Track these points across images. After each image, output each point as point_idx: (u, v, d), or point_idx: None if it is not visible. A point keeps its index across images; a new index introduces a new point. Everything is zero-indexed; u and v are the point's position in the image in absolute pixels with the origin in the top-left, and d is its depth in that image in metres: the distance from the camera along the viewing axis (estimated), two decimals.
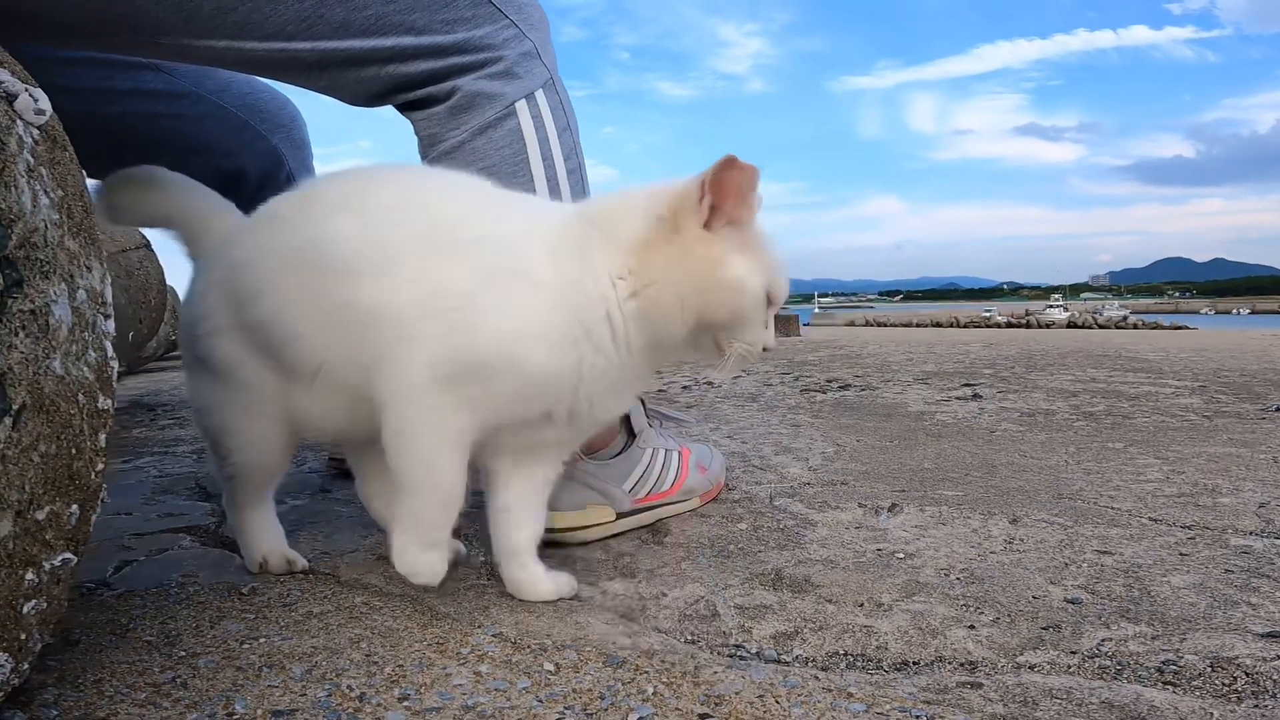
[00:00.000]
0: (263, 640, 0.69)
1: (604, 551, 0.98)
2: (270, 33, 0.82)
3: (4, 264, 0.44)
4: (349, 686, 0.61)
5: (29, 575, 0.44)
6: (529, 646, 0.70)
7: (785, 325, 5.32)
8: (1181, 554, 0.94)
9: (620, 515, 1.03)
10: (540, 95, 0.94)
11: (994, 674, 0.66)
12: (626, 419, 1.08)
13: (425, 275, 0.70)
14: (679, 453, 1.13)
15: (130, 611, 0.74)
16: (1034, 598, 0.82)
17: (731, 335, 0.74)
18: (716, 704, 0.60)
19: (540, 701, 0.60)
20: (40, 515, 0.44)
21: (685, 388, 2.62)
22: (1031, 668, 0.67)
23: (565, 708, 0.59)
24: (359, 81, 0.89)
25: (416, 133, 0.95)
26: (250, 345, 0.77)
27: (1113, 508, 1.14)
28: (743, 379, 2.83)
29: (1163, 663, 0.67)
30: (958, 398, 2.31)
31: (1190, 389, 2.36)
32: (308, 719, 0.56)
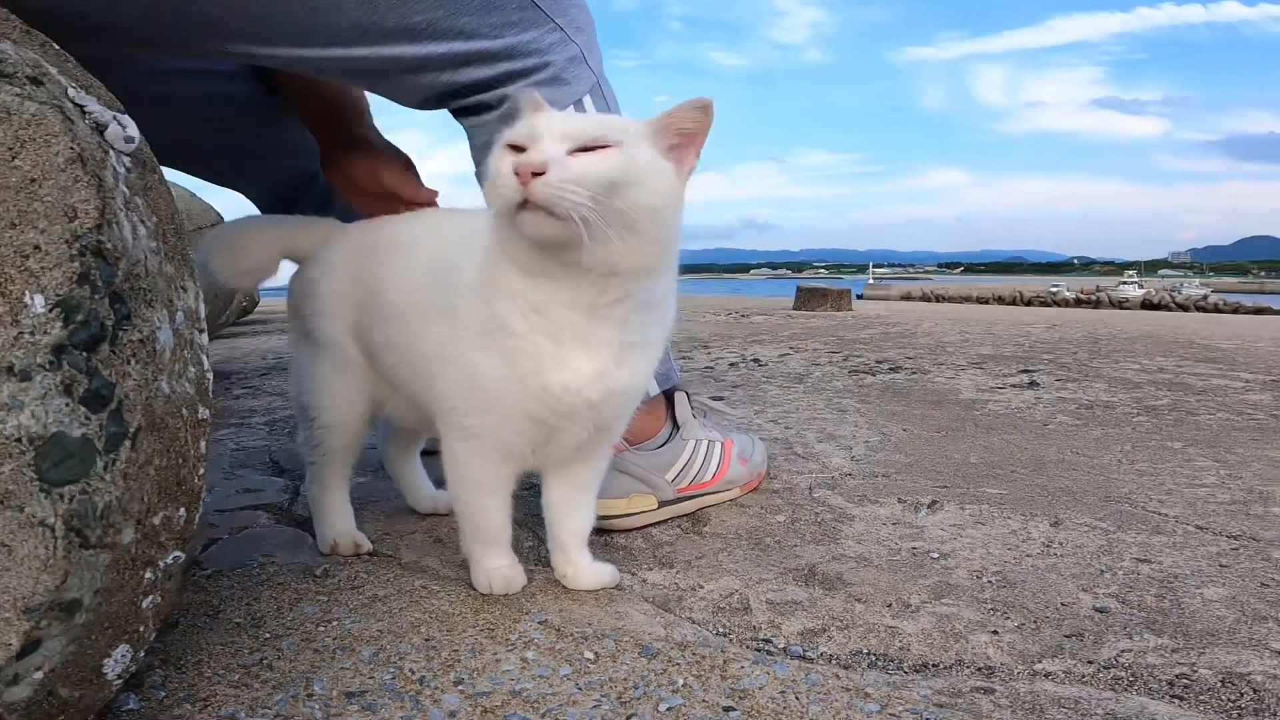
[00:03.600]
0: (335, 623, 0.76)
1: (645, 540, 1.03)
2: (330, 40, 0.87)
3: (113, 299, 0.51)
4: (410, 670, 0.68)
5: (147, 574, 0.51)
6: (571, 634, 0.76)
7: (836, 299, 5.23)
8: (1221, 565, 0.94)
9: (662, 504, 1.08)
10: (587, 101, 0.97)
11: (1009, 680, 0.69)
12: (672, 412, 1.13)
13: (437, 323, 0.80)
14: (721, 444, 1.17)
15: (220, 593, 0.83)
16: (1062, 604, 0.84)
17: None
18: (741, 698, 0.65)
19: (579, 689, 0.66)
20: (156, 521, 0.51)
21: (732, 364, 2.65)
22: (1046, 675, 0.69)
23: (601, 696, 0.65)
24: (416, 87, 0.93)
25: (470, 139, 1.00)
26: (350, 332, 0.91)
27: (1160, 513, 1.13)
28: (791, 357, 2.83)
29: (1176, 676, 0.69)
30: (1013, 385, 2.27)
31: (1263, 383, 2.27)
32: (376, 700, 0.63)
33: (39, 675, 0.46)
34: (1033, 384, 2.32)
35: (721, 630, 0.79)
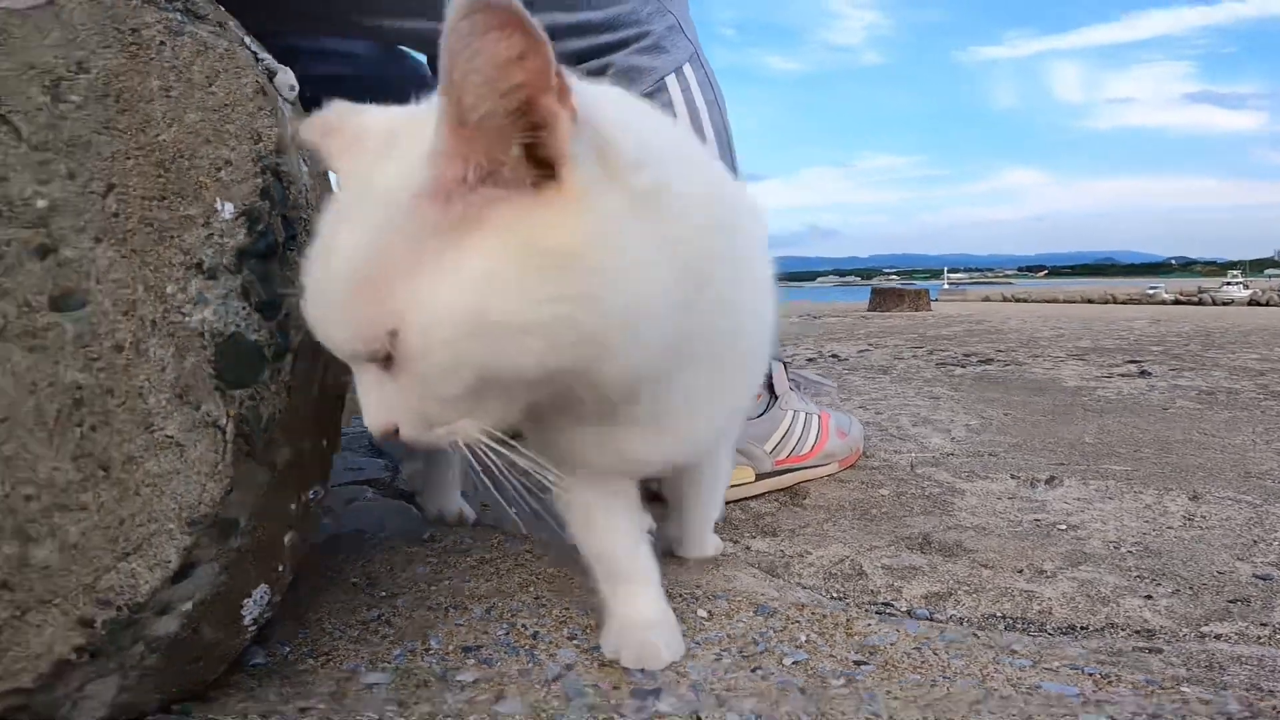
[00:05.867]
0: (446, 583, 0.76)
1: (744, 511, 0.99)
2: (435, 12, 0.89)
3: (284, 220, 0.52)
4: (523, 626, 0.66)
5: (292, 505, 0.51)
6: (681, 595, 0.72)
7: (914, 300, 5.07)
8: None
9: (760, 476, 1.04)
10: (687, 69, 0.96)
11: (1175, 641, 0.62)
12: (769, 381, 1.09)
13: None
14: (819, 417, 1.12)
15: (335, 556, 0.83)
16: (1219, 573, 0.76)
17: None
18: (871, 653, 0.60)
19: (698, 644, 0.62)
20: (306, 446, 0.51)
21: (810, 360, 2.57)
22: (1217, 637, 0.62)
23: (721, 650, 0.61)
24: None
25: None
26: None
27: None
28: (871, 352, 2.74)
29: None
30: (1121, 374, 2.13)
31: None
32: (492, 654, 0.61)
33: (188, 607, 0.45)
34: (1144, 373, 2.16)
35: (837, 594, 0.75)
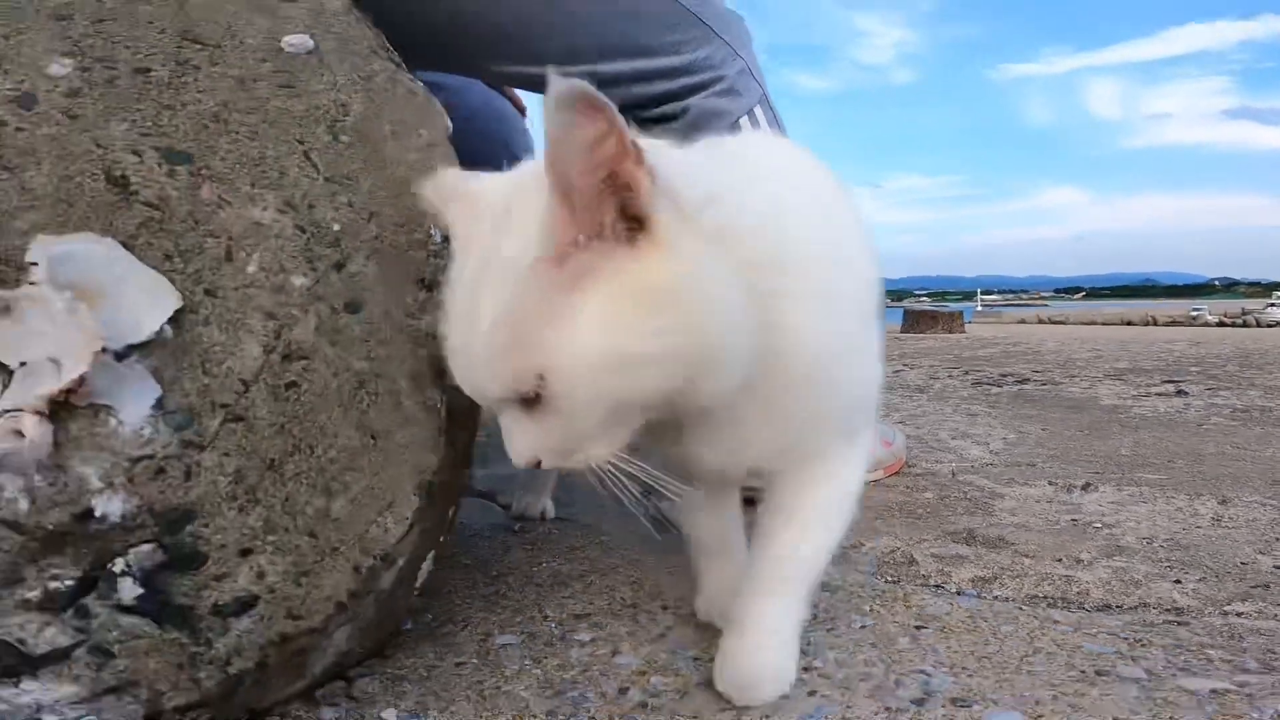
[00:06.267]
0: (545, 565, 0.86)
1: None
2: (546, 60, 1.00)
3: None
4: (622, 598, 0.76)
5: (459, 484, 0.61)
6: None
7: (948, 322, 5.10)
8: None
9: None
10: (758, 110, 1.07)
11: (1201, 617, 0.70)
12: None
13: None
14: None
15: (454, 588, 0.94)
16: (1241, 564, 0.83)
17: None
18: (929, 620, 0.69)
19: None
20: (467, 437, 0.60)
21: None
22: (1239, 615, 0.70)
23: None
24: (610, 98, 1.06)
25: None
26: None
27: None
28: (906, 372, 2.80)
29: None
30: (1158, 394, 2.18)
31: None
32: (601, 620, 0.71)
33: (401, 564, 0.54)
34: (1180, 392, 2.21)
35: (891, 578, 0.84)
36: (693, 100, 1.02)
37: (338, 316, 0.50)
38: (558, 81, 0.40)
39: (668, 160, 0.45)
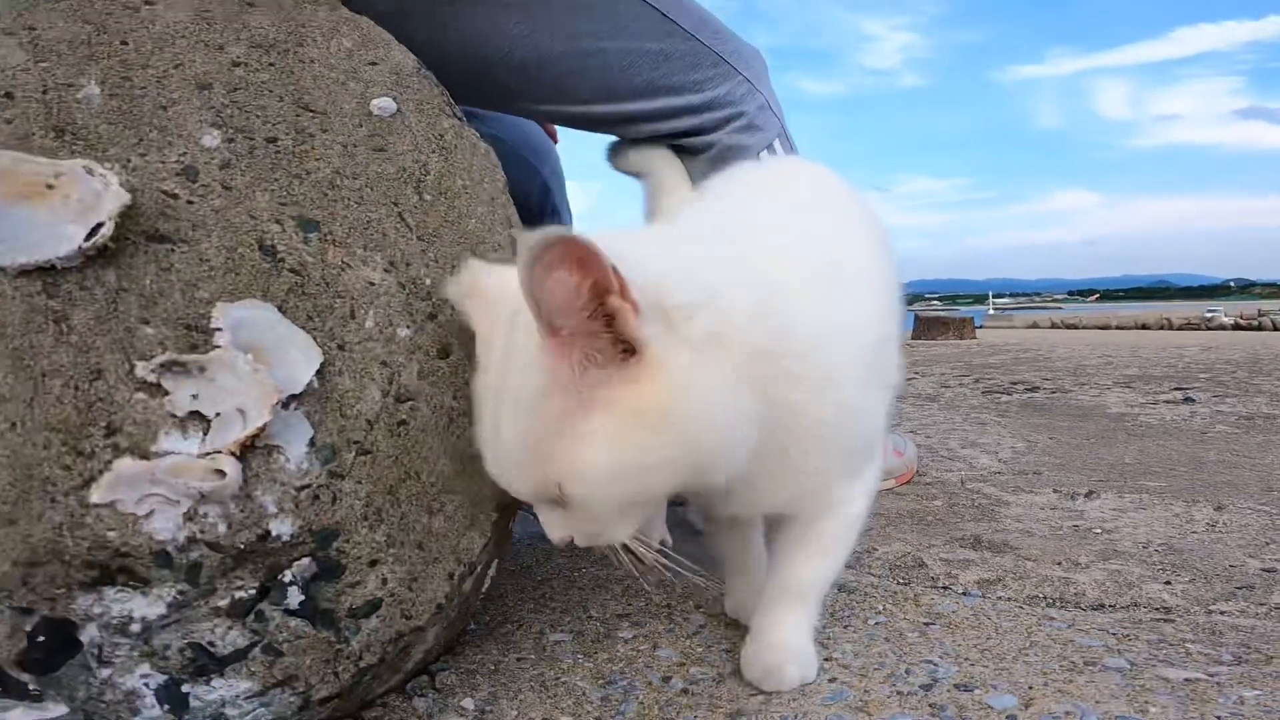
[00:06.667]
0: (583, 571, 0.94)
1: None
2: (581, 99, 1.09)
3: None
4: (657, 601, 0.84)
5: (511, 501, 0.68)
6: None
7: (959, 328, 5.15)
8: None
9: None
10: (777, 143, 1.14)
11: (1186, 615, 0.77)
12: None
13: None
14: None
15: (508, 593, 1.02)
16: (1230, 566, 0.90)
17: None
18: (937, 617, 0.76)
19: None
20: None
21: None
22: (1222, 613, 0.77)
23: None
24: (637, 133, 1.14)
25: None
26: None
27: None
28: (917, 380, 2.86)
29: None
30: (1166, 401, 2.23)
31: None
32: (640, 619, 0.79)
33: (478, 570, 0.62)
34: (1188, 399, 2.26)
35: (902, 581, 0.91)
36: (717, 135, 1.10)
37: (433, 361, 0.58)
38: (526, 236, 0.42)
39: (656, 266, 0.48)
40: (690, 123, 1.10)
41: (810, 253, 0.60)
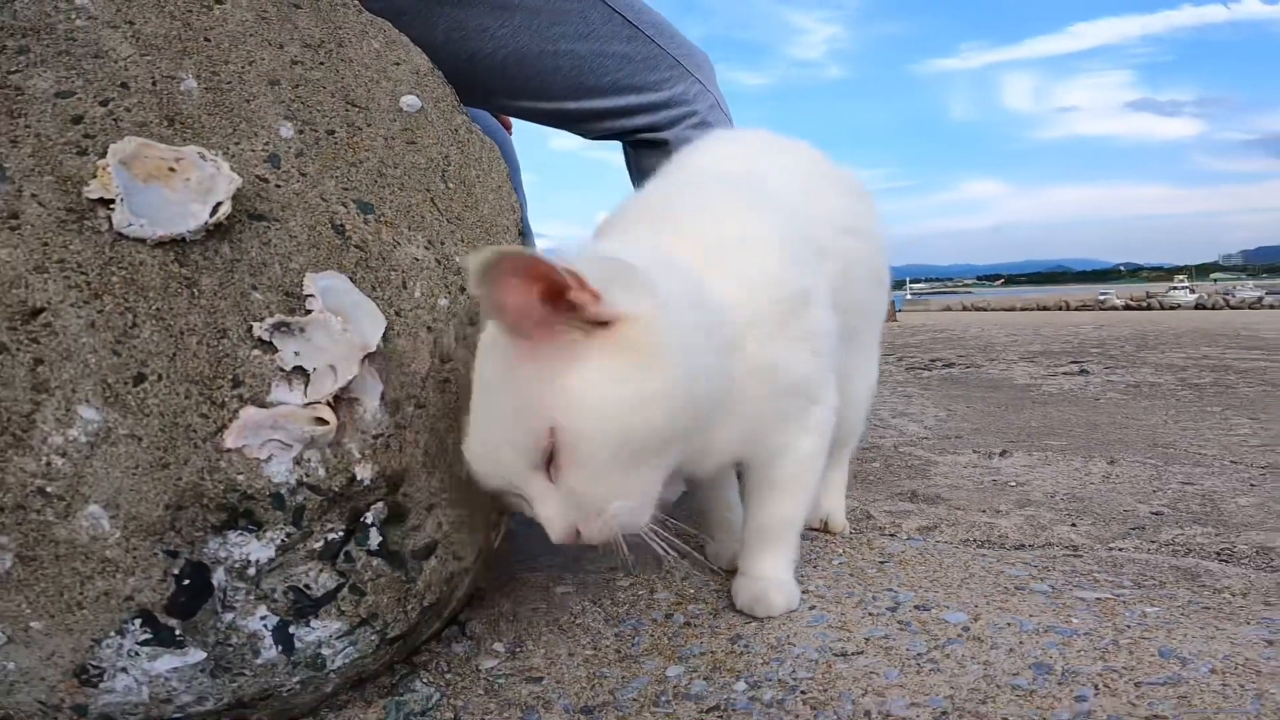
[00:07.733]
0: (594, 561, 1.01)
1: None
2: (554, 96, 1.15)
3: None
4: (645, 554, 0.92)
5: None
6: None
7: None
8: (1251, 484, 1.15)
9: None
10: None
11: (1090, 551, 0.91)
12: None
13: None
14: None
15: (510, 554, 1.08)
16: (1124, 511, 1.06)
17: None
18: (890, 557, 0.88)
19: None
20: None
21: None
22: (1120, 550, 0.92)
23: None
24: (600, 129, 1.21)
25: (636, 163, 1.26)
26: None
27: (1200, 453, 1.34)
28: None
29: (1220, 549, 0.91)
30: (1064, 373, 2.47)
31: None
32: (633, 570, 0.87)
33: (503, 525, 0.70)
34: (1083, 371, 2.51)
35: (855, 530, 1.03)
36: (673, 131, 1.18)
37: (465, 328, 0.64)
38: (473, 257, 0.45)
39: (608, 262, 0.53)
40: (649, 119, 1.18)
41: (709, 229, 0.65)
